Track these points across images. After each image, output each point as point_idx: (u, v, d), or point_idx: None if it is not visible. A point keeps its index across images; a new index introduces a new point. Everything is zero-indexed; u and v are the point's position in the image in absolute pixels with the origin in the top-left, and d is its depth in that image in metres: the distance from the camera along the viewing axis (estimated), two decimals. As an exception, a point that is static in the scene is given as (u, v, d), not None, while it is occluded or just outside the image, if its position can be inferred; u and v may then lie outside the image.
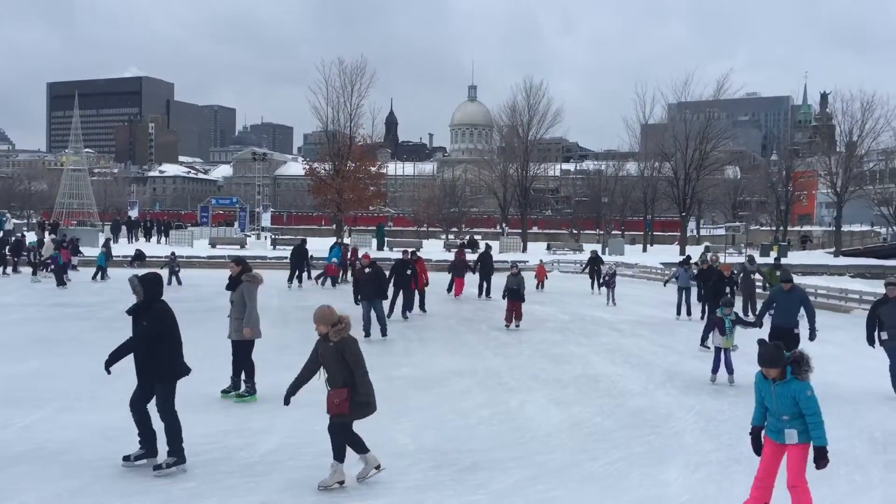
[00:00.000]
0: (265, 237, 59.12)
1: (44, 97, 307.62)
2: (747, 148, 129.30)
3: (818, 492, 7.30)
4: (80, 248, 36.99)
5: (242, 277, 11.14)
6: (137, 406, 7.65)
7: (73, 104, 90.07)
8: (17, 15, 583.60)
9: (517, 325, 18.57)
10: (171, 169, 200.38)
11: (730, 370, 12.25)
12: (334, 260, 30.57)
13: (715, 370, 12.39)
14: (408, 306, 20.59)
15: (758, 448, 6.43)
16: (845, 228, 63.76)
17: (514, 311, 18.73)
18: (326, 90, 57.05)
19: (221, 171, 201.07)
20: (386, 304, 18.13)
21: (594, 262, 30.90)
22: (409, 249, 23.75)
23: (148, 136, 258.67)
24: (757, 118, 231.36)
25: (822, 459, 6.08)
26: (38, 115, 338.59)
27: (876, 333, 11.84)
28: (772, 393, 6.26)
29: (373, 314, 16.75)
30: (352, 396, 7.10)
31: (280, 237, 60.24)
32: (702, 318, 20.50)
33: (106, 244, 36.41)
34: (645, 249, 65.21)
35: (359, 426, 9.38)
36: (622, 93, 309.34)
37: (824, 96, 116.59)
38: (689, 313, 21.78)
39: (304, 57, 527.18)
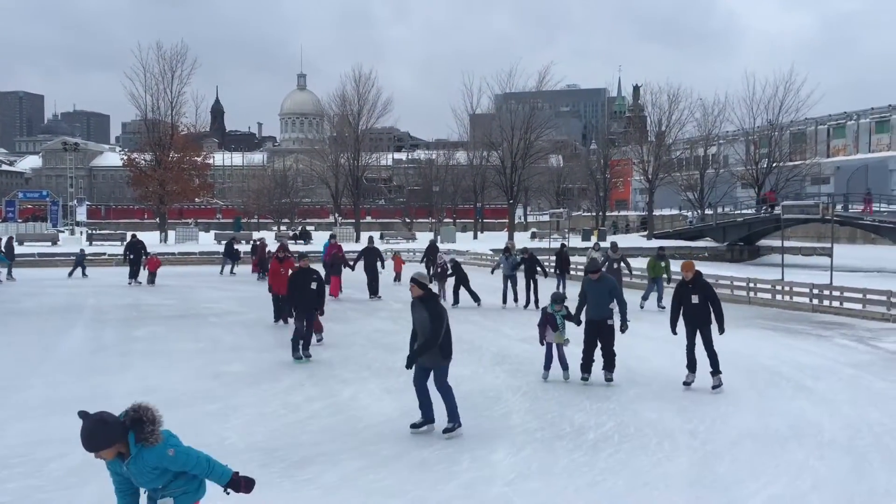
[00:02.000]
0: (80, 232, 55.44)
1: None
2: (569, 138, 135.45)
3: (634, 461, 7.81)
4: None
5: None
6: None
7: None
8: None
9: (319, 340, 15.02)
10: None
11: (564, 366, 11.70)
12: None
13: (547, 366, 11.75)
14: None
15: None
16: (657, 213, 68.31)
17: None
18: (144, 76, 54.36)
19: (29, 163, 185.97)
20: None
21: (431, 252, 29.55)
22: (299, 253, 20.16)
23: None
24: (577, 109, 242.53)
25: (238, 489, 4.64)
26: None
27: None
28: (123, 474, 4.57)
29: None
30: None
31: (97, 232, 56.75)
32: (526, 305, 21.32)
33: (9, 242, 32.60)
34: (476, 236, 66.93)
35: (184, 425, 9.01)
36: (452, 82, 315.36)
37: (636, 89, 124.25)
38: (515, 300, 21.92)
39: (121, 39, 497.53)
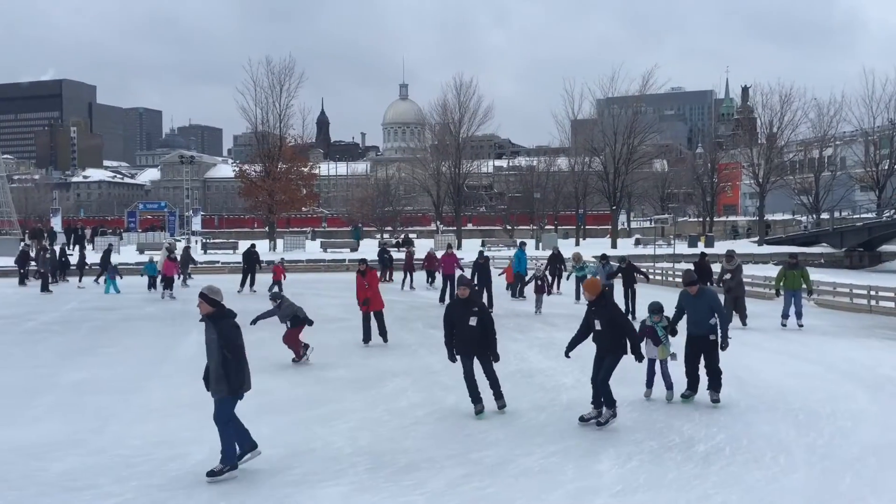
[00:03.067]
0: (195, 241, 57.93)
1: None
2: (674, 141, 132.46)
3: (748, 475, 7.53)
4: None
5: None
6: None
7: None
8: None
9: (295, 360, 14.19)
10: (95, 174, 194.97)
11: (668, 385, 10.72)
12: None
13: (649, 384, 10.90)
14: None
15: None
16: (768, 217, 65.85)
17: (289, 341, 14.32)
18: (255, 90, 56.30)
19: (149, 175, 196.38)
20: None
21: (555, 261, 28.06)
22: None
23: (70, 140, 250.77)
24: (682, 112, 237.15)
25: None
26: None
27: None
28: None
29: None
30: None
31: (211, 241, 59.15)
32: None
33: (186, 252, 33.82)
34: (578, 243, 66.12)
35: (292, 429, 9.28)
36: (553, 88, 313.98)
37: (745, 90, 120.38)
38: None
39: (231, 55, 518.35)
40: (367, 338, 16.12)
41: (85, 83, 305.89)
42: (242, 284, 29.48)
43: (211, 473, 7.50)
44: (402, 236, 65.09)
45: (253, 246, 32.52)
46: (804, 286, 18.98)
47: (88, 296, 28.20)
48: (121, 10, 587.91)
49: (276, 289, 18.07)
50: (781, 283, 19.14)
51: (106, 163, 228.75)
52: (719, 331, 10.53)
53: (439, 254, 28.74)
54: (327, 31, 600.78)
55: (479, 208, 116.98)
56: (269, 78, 56.18)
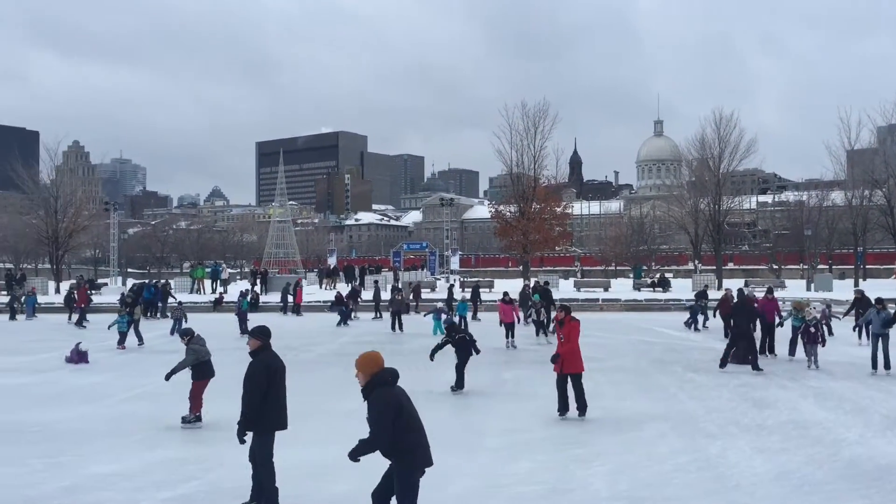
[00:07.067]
0: (454, 279, 60.51)
1: (254, 156, 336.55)
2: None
3: None
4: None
5: None
6: None
7: (278, 161, 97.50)
8: (220, 81, 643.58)
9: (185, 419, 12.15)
10: (365, 217, 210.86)
11: None
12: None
13: None
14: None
15: None
16: None
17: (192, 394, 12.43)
18: (510, 134, 58.04)
19: (412, 217, 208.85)
20: None
21: (859, 304, 24.04)
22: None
23: (344, 186, 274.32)
24: None
25: None
26: (249, 172, 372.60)
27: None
28: None
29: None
30: None
31: (468, 279, 61.39)
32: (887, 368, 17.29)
33: (475, 289, 34.07)
34: (857, 284, 60.11)
35: (548, 469, 9.30)
36: (826, 115, 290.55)
37: None
38: (886, 367, 17.26)
39: (488, 99, 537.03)
40: (562, 407, 12.51)
41: (358, 134, 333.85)
42: (527, 318, 29.62)
43: None
44: (658, 276, 63.25)
45: (542, 283, 33.56)
46: None
47: (367, 328, 30.22)
48: (387, 63, 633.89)
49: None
50: None
51: (374, 206, 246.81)
52: None
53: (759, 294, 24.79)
54: (580, 69, 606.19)
55: (742, 246, 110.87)
56: (525, 121, 57.72)
